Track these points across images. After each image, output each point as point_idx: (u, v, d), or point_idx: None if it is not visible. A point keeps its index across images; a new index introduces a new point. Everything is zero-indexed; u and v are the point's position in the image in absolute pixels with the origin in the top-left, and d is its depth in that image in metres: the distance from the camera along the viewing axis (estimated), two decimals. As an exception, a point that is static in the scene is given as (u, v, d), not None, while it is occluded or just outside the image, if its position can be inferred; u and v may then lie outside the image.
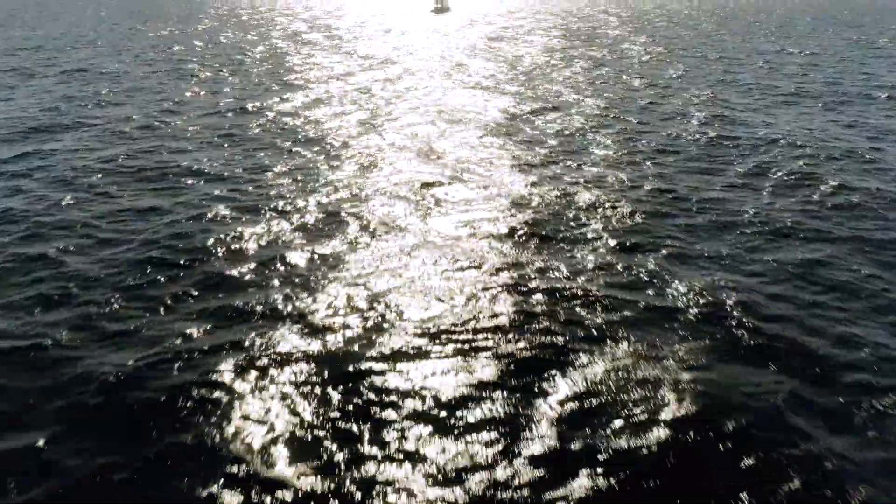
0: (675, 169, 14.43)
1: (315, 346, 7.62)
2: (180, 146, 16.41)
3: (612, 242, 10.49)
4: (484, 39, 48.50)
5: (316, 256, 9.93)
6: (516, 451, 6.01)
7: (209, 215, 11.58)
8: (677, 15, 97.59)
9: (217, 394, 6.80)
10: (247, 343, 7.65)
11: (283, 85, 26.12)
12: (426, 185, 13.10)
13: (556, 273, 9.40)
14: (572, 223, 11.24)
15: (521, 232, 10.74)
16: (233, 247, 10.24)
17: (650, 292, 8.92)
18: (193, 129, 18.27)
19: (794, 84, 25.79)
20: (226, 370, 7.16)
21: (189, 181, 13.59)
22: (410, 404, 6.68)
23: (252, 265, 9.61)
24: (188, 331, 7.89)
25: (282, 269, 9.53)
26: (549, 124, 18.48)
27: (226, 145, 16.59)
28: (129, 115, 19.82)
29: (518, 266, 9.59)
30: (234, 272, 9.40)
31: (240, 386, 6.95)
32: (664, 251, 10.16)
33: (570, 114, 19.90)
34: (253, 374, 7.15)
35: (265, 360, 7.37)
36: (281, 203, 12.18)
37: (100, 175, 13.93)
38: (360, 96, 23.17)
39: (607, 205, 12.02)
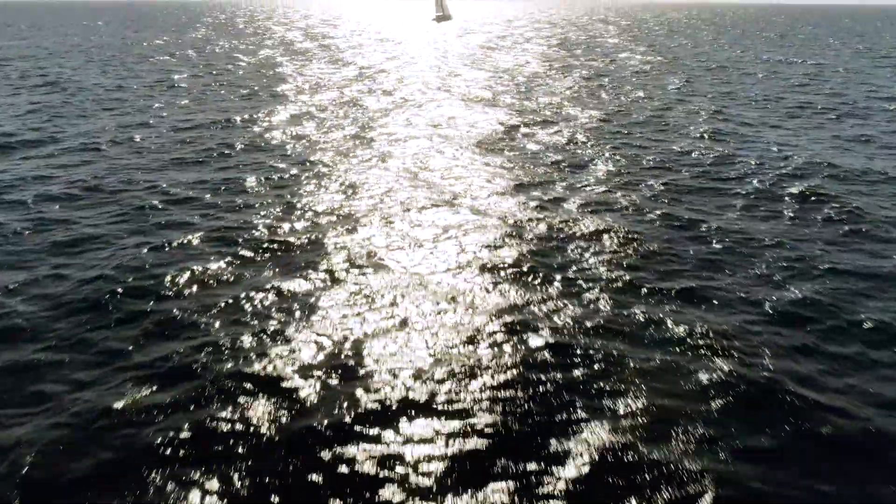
0: (677, 191, 13.33)
1: (283, 412, 6.48)
2: (153, 164, 15.33)
3: (614, 276, 9.41)
4: (482, 49, 47.68)
5: (291, 294, 8.80)
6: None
7: (174, 244, 10.47)
8: (676, 23, 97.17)
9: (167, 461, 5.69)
10: (201, 406, 6.53)
11: (269, 98, 25.10)
12: (415, 209, 12.01)
13: (555, 312, 8.29)
14: (572, 254, 10.16)
15: (516, 265, 9.64)
16: (195, 285, 9.10)
17: (656, 336, 7.84)
18: (169, 145, 17.21)
19: (797, 96, 24.91)
20: (177, 437, 6.05)
21: (157, 204, 12.48)
22: (390, 473, 5.66)
23: (216, 307, 8.47)
24: (134, 394, 6.75)
25: (250, 312, 8.34)
26: (546, 141, 17.43)
27: (202, 164, 15.51)
28: (103, 129, 18.76)
29: (512, 306, 8.48)
30: (193, 316, 8.26)
31: (194, 453, 5.87)
32: (671, 286, 9.09)
33: (567, 129, 18.87)
34: (211, 438, 6.06)
35: (223, 427, 6.25)
36: (255, 231, 11.07)
37: (61, 198, 12.83)
38: (347, 110, 22.16)
39: (608, 233, 10.92)
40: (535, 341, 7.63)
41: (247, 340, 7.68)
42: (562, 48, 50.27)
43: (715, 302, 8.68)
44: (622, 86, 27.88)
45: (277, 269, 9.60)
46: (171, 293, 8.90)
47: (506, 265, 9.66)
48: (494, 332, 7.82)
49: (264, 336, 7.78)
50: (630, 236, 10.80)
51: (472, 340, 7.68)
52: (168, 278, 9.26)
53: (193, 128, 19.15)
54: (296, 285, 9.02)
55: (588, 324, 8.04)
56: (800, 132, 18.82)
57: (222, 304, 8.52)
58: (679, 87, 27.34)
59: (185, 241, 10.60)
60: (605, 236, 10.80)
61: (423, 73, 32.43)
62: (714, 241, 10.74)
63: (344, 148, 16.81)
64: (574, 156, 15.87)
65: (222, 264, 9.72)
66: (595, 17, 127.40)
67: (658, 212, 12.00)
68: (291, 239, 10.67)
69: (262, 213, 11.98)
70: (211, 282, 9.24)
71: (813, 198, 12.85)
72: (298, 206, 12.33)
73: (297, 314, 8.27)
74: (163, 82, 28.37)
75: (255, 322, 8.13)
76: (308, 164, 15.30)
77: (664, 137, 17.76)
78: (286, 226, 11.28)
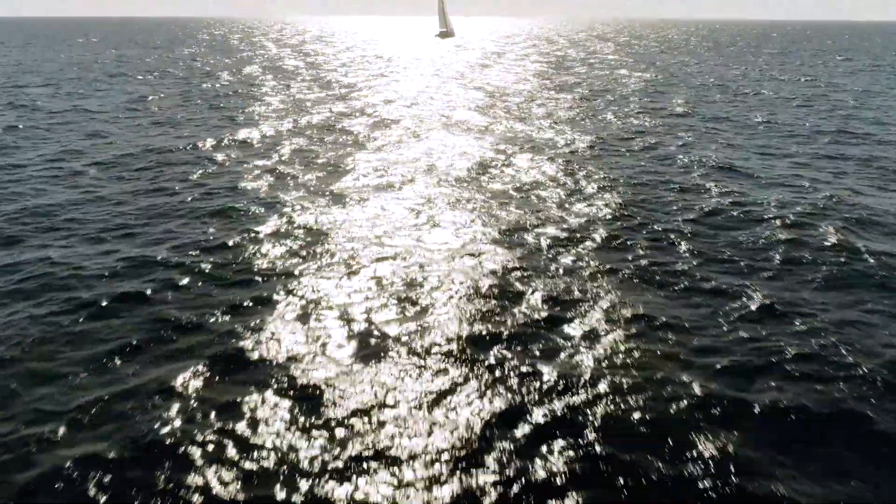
0: (673, 233, 11.16)
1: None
2: (81, 199, 13.28)
3: (608, 340, 7.52)
4: (477, 68, 45.97)
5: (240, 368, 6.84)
6: None
7: (65, 309, 8.40)
8: (676, 42, 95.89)
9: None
10: None
11: (241, 120, 23.23)
12: (389, 258, 9.90)
13: (544, 378, 6.44)
14: (561, 313, 8.12)
15: (500, 329, 7.63)
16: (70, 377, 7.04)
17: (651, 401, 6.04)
18: (106, 177, 15.19)
19: (800, 122, 22.56)
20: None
21: (79, 250, 10.43)
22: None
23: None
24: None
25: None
26: (535, 171, 15.33)
27: (137, 202, 13.38)
28: (47, 156, 16.75)
29: (498, 372, 6.60)
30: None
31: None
32: (665, 351, 7.18)
33: (558, 156, 16.87)
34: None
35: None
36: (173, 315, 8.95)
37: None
38: (321, 135, 20.19)
39: (599, 289, 8.87)
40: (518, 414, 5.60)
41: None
42: (558, 67, 48.63)
43: (706, 365, 6.61)
44: (617, 107, 25.90)
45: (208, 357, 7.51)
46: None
47: (484, 332, 7.62)
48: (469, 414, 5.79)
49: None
50: (618, 294, 8.70)
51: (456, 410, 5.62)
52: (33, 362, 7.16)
53: (143, 154, 17.12)
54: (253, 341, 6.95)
55: (570, 389, 5.99)
56: (805, 164, 16.70)
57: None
58: (676, 111, 25.22)
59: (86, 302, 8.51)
60: (591, 294, 8.71)
61: (408, 96, 30.60)
62: (706, 304, 8.54)
63: (313, 180, 14.75)
64: (561, 190, 13.78)
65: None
66: (593, 33, 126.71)
67: (645, 259, 9.87)
68: (243, 296, 8.57)
69: (193, 269, 9.87)
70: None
71: (824, 246, 10.64)
72: (242, 260, 10.22)
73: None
74: (127, 106, 26.43)
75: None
76: (259, 202, 13.22)
77: (659, 169, 15.58)
78: (233, 281, 9.19)
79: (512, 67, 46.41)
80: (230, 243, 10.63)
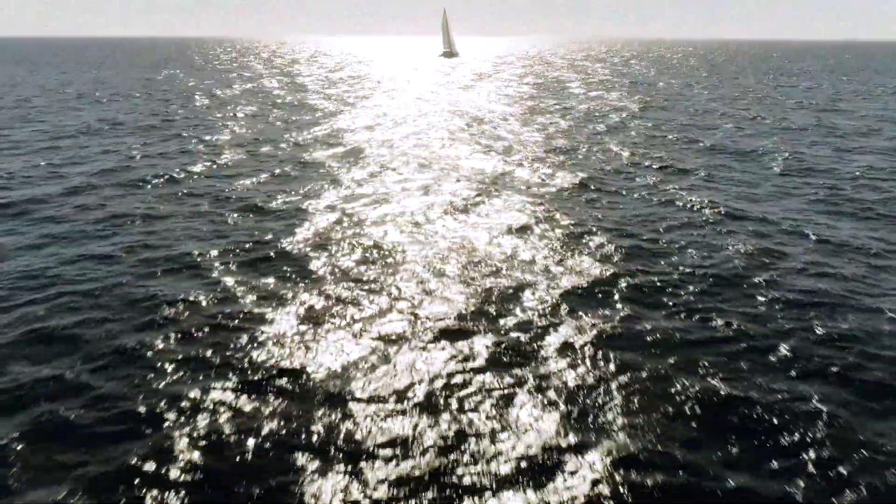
0: (664, 309, 8.99)
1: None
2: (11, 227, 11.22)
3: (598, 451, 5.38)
4: (464, 90, 44.14)
5: None
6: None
7: None
8: (678, 67, 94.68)
9: None
10: None
11: (209, 144, 21.24)
12: (347, 303, 7.83)
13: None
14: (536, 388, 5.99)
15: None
16: None
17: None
18: (49, 206, 13.16)
19: (805, 158, 20.30)
20: None
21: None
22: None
23: None
24: None
25: None
26: (514, 215, 13.23)
27: (76, 237, 11.35)
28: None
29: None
30: None
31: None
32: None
33: (543, 194, 14.78)
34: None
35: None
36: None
37: None
38: (288, 163, 18.11)
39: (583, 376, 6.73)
40: None
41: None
42: (551, 88, 46.89)
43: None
44: (609, 137, 23.88)
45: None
46: None
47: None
48: None
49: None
50: (604, 383, 6.55)
51: None
52: None
53: (92, 178, 15.00)
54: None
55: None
56: (817, 210, 14.64)
57: None
58: (673, 140, 23.17)
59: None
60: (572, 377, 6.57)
61: (391, 126, 28.66)
62: (707, 414, 6.42)
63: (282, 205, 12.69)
64: (542, 242, 11.65)
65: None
66: (591, 53, 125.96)
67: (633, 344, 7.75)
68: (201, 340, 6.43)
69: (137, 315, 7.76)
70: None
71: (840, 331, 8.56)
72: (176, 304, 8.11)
73: None
74: (85, 128, 24.44)
75: None
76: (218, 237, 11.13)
77: (653, 215, 13.49)
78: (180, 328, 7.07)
79: (502, 89, 44.62)
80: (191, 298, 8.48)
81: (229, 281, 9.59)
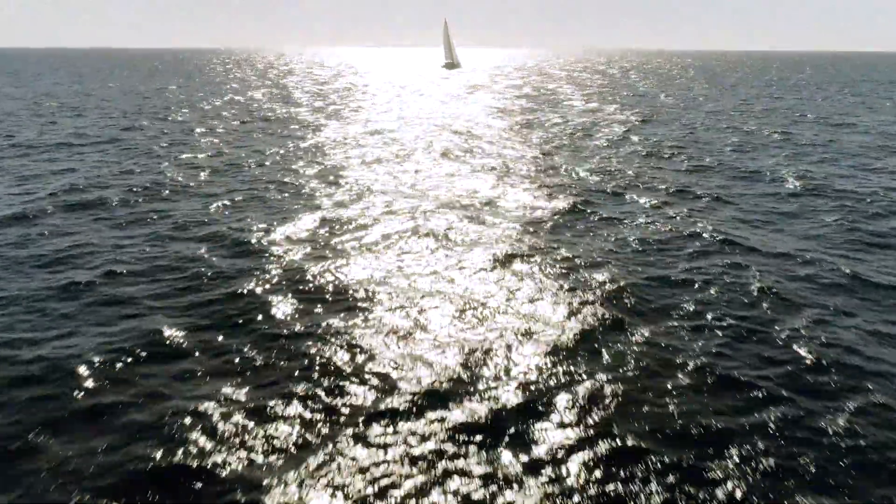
0: (674, 370, 7.71)
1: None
2: None
3: None
4: (456, 102, 42.94)
5: None
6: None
7: None
8: (676, 78, 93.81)
9: None
10: None
11: (172, 159, 19.97)
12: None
13: None
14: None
15: None
16: None
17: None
18: None
19: (815, 177, 18.92)
20: None
21: None
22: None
23: None
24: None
25: None
26: (503, 245, 11.91)
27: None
28: None
29: None
30: None
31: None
32: None
33: (536, 220, 13.47)
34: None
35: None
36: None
37: None
38: (260, 182, 16.81)
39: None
40: None
41: None
42: (549, 101, 45.76)
43: None
44: (604, 161, 22.46)
45: None
46: None
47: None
48: None
49: None
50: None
51: None
52: None
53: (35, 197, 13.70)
54: None
55: None
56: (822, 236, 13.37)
57: None
58: (672, 166, 21.53)
59: None
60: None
61: (370, 139, 27.42)
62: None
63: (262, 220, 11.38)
64: (520, 280, 10.36)
65: None
66: (589, 66, 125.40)
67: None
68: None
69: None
70: None
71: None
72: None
73: None
74: (60, 145, 23.16)
75: None
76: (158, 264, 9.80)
77: (664, 243, 12.21)
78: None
79: (498, 101, 43.45)
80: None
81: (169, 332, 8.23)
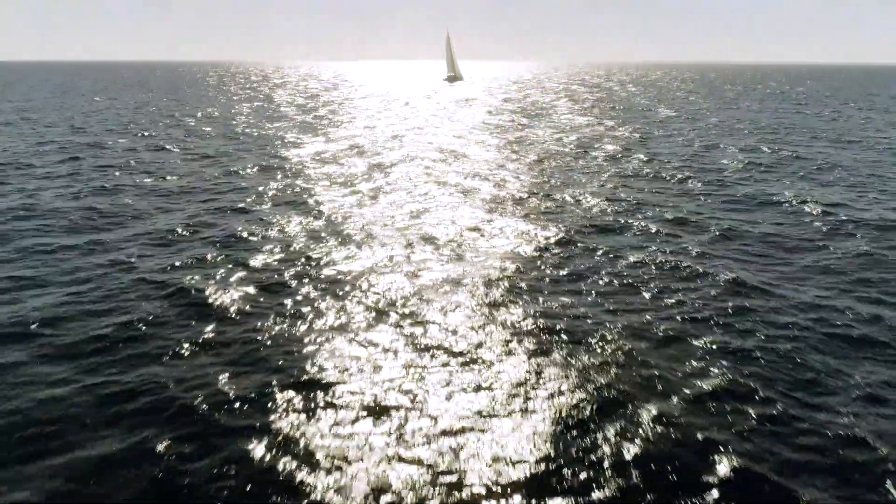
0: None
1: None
2: None
3: None
4: (447, 119, 41.23)
5: None
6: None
7: None
8: (675, 91, 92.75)
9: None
10: None
11: (132, 182, 18.21)
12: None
13: None
14: None
15: None
16: None
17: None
18: None
19: (837, 205, 17.02)
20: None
21: None
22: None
23: None
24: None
25: None
26: (486, 291, 10.12)
27: None
28: None
29: None
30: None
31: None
32: None
33: (524, 258, 11.69)
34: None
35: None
36: None
37: None
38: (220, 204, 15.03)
39: None
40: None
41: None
42: (544, 116, 44.15)
43: None
44: (596, 187, 20.70)
45: None
46: None
47: None
48: None
49: None
50: None
51: None
52: None
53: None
54: None
55: None
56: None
57: None
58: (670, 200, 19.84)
59: None
60: None
61: (351, 154, 25.69)
62: None
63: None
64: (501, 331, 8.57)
65: None
66: (585, 81, 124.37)
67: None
68: None
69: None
70: None
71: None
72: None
73: None
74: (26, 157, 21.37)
75: None
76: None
77: (669, 292, 10.40)
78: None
79: (492, 116, 41.80)
80: None
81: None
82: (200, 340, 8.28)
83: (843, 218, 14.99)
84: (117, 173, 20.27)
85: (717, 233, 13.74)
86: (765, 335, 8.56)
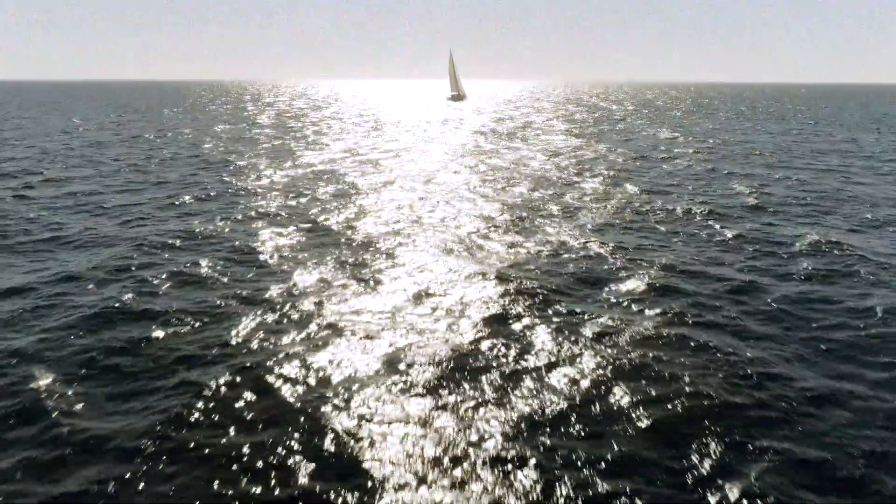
0: None
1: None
2: None
3: None
4: (432, 140, 38.76)
5: None
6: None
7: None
8: (672, 110, 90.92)
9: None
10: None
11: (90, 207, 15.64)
12: None
13: None
14: None
15: None
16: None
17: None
18: None
19: (869, 261, 14.69)
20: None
21: None
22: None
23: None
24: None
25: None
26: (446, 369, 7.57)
27: None
28: None
29: None
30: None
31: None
32: None
33: (501, 320, 9.10)
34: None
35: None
36: None
37: None
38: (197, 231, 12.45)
39: None
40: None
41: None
42: (538, 141, 41.79)
43: None
44: (591, 228, 18.11)
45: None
46: None
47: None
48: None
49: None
50: None
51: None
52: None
53: None
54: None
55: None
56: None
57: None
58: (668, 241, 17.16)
59: None
60: None
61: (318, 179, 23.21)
62: None
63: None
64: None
65: None
66: (582, 100, 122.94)
67: None
68: None
69: None
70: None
71: None
72: None
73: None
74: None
75: None
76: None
77: (668, 379, 7.77)
78: None
79: (479, 141, 39.40)
80: None
81: None
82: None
83: None
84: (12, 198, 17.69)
85: (727, 297, 11.03)
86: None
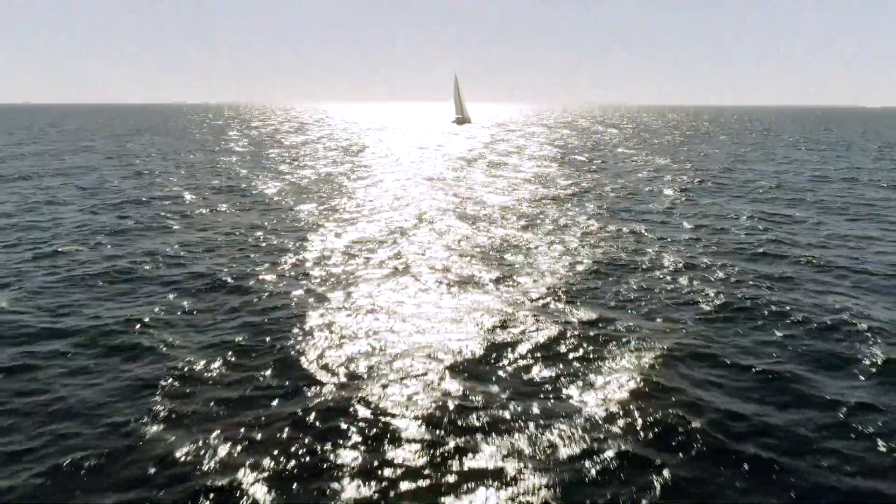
0: None
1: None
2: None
3: None
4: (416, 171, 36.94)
5: None
6: None
7: None
8: (671, 135, 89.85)
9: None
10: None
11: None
12: None
13: None
14: None
15: None
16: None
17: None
18: None
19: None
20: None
21: None
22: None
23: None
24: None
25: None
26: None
27: None
28: None
29: None
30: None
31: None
32: None
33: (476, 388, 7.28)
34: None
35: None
36: None
37: None
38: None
39: None
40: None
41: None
42: (533, 174, 40.19)
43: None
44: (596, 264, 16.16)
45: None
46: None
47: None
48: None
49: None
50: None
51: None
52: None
53: None
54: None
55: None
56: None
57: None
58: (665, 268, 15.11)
59: None
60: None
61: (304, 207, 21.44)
62: None
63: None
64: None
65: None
66: (578, 125, 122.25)
67: None
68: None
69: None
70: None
71: None
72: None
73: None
74: None
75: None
76: None
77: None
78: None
79: (466, 169, 37.68)
80: None
81: None
82: None
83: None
84: None
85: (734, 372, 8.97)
86: None
